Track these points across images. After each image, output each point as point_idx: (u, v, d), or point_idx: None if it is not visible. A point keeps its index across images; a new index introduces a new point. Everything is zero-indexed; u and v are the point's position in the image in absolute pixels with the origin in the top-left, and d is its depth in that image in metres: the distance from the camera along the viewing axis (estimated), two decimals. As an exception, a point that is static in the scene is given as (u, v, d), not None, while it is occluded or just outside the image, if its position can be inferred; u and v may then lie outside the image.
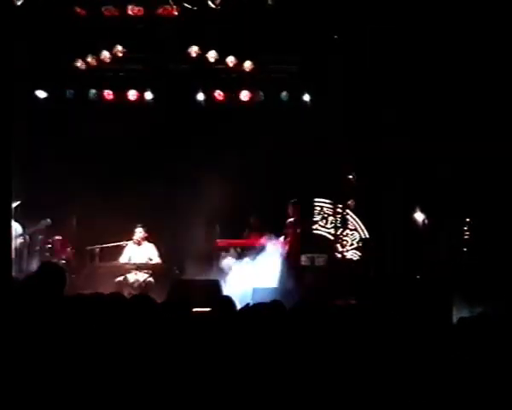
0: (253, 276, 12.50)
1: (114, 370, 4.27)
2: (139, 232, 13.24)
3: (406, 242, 12.91)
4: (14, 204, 13.21)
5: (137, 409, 4.11)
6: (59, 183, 13.04)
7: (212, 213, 13.17)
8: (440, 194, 12.62)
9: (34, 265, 12.31)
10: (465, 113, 12.72)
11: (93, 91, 14.01)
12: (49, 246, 13.14)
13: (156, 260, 13.20)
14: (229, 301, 5.57)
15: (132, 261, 13.05)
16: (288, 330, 4.92)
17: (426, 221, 12.43)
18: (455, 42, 12.28)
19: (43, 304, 4.92)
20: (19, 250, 13.16)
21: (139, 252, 13.24)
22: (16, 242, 13.14)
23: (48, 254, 12.97)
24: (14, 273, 11.42)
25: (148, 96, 13.95)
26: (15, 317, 4.54)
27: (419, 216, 12.63)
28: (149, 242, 13.32)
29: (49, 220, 13.11)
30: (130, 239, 13.25)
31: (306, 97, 14.09)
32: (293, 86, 14.13)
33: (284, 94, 14.09)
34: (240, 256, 13.19)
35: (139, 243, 13.28)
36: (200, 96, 13.98)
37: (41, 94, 13.97)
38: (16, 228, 13.22)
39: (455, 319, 8.73)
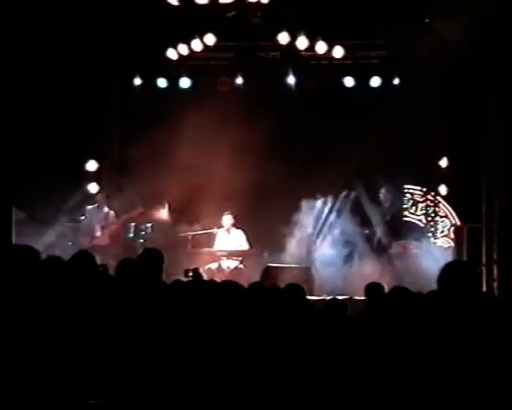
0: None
1: (208, 351, 4.34)
2: (228, 219, 13.33)
3: (501, 228, 12.62)
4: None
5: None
6: (151, 170, 13.25)
7: (302, 197, 13.19)
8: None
9: (127, 251, 12.56)
10: None
11: (184, 80, 14.24)
12: (143, 233, 13.37)
13: (245, 246, 13.28)
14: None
15: (223, 248, 13.16)
16: (381, 317, 4.91)
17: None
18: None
19: (143, 289, 5.03)
20: (112, 237, 13.48)
21: (229, 239, 13.34)
22: (110, 229, 13.47)
23: (141, 240, 13.19)
24: (107, 260, 11.72)
25: (239, 81, 14.09)
26: (114, 300, 4.64)
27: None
28: (237, 228, 13.40)
29: (141, 207, 13.35)
30: (221, 226, 13.36)
31: (396, 81, 13.98)
32: (384, 71, 14.02)
33: (374, 79, 13.99)
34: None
35: (228, 230, 13.38)
36: (291, 80, 14.03)
37: (137, 81, 14.29)
38: (110, 215, 13.55)
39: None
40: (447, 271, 4.25)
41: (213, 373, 4.26)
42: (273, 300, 5.54)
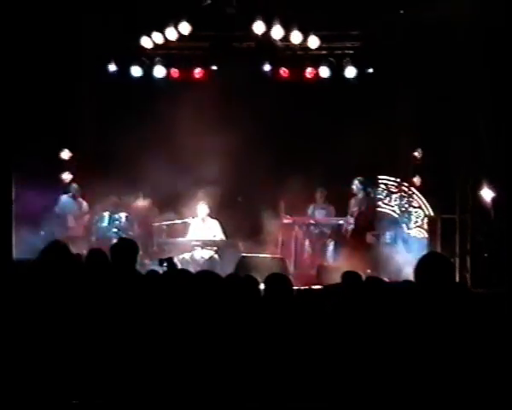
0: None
1: (182, 341, 4.33)
2: (203, 209, 13.30)
3: (474, 219, 12.73)
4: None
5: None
6: (126, 159, 13.19)
7: (276, 188, 13.19)
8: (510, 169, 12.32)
9: (101, 241, 12.49)
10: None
11: (159, 69, 14.17)
12: (116, 222, 13.30)
13: (220, 236, 13.25)
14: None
15: (197, 238, 13.13)
16: (356, 307, 4.92)
17: (495, 198, 12.20)
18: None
19: (116, 278, 5.01)
20: (86, 227, 13.41)
21: (204, 228, 13.30)
22: (83, 219, 13.40)
23: (115, 230, 13.12)
24: (81, 250, 11.65)
25: (214, 70, 14.07)
26: (87, 289, 4.61)
27: (487, 193, 12.39)
28: (212, 218, 13.38)
29: (115, 197, 13.29)
30: (196, 216, 13.33)
31: (371, 72, 14.01)
32: (359, 62, 14.04)
33: (349, 69, 14.02)
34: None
35: (203, 220, 13.35)
36: (267, 68, 14.02)
37: (111, 70, 14.13)
38: (83, 205, 13.48)
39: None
40: (424, 262, 4.27)
41: (192, 363, 4.24)
42: (251, 289, 5.53)
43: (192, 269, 11.08)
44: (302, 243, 13.23)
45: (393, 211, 14.31)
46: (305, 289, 7.93)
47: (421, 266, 4.27)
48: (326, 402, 4.11)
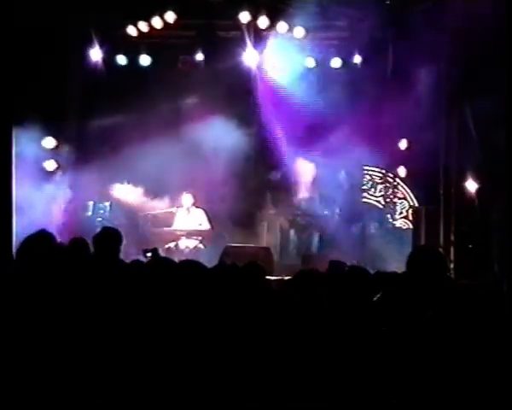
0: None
1: (165, 332, 4.31)
2: (187, 198, 13.28)
3: (459, 210, 12.77)
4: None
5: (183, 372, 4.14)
6: (110, 148, 13.14)
7: (262, 178, 13.19)
8: (494, 162, 12.37)
9: (85, 230, 12.44)
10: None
11: (144, 57, 14.09)
12: (101, 211, 13.27)
13: (205, 225, 13.24)
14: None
15: (183, 228, 13.11)
16: (339, 296, 4.92)
17: (478, 190, 12.25)
18: None
19: (99, 268, 4.98)
20: (70, 217, 13.35)
21: (189, 218, 13.29)
22: (67, 208, 13.34)
23: (100, 219, 13.09)
24: (65, 238, 11.59)
25: (199, 60, 14.00)
26: (69, 279, 4.59)
27: (471, 185, 12.45)
28: (197, 207, 13.36)
29: (101, 186, 13.26)
30: (181, 206, 13.31)
31: (357, 60, 13.96)
32: (344, 52, 14.02)
33: (335, 60, 13.99)
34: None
35: (188, 210, 13.33)
36: (250, 59, 13.95)
37: (96, 58, 13.97)
38: (67, 193, 13.42)
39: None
40: (417, 256, 4.27)
41: (175, 354, 4.23)
42: (233, 278, 5.51)
43: (177, 259, 11.07)
44: (287, 233, 13.24)
45: (378, 202, 14.34)
46: (288, 279, 7.93)
47: (414, 259, 4.27)
48: (322, 401, 4.10)
